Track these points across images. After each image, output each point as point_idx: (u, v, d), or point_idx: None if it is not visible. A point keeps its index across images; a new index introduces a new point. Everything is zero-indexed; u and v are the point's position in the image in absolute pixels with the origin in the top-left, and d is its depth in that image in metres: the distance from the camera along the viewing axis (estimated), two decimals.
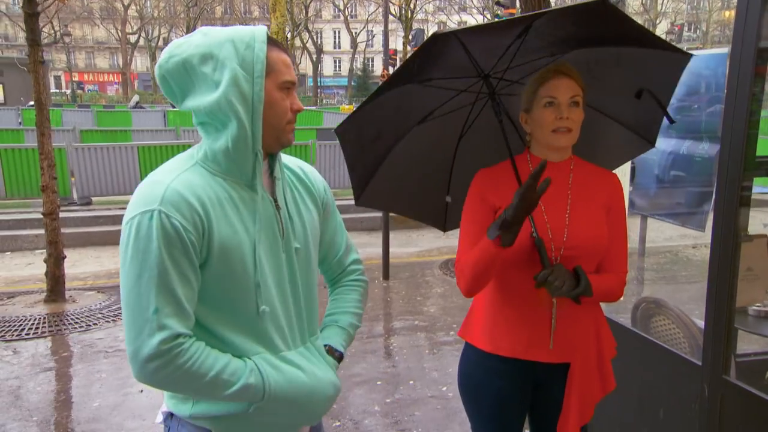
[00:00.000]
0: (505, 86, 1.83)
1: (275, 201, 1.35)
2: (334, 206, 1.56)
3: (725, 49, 2.07)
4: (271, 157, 1.37)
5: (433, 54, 1.59)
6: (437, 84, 1.78)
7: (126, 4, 41.65)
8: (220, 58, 1.22)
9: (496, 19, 1.69)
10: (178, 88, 1.28)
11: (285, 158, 1.48)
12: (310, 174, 1.51)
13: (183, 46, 1.25)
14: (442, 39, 1.48)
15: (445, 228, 2.14)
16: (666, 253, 6.70)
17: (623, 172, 2.49)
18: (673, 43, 1.66)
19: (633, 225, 4.36)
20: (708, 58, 1.76)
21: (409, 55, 1.80)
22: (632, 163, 2.63)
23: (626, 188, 2.56)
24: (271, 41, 1.28)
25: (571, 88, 1.66)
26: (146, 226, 1.17)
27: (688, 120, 1.89)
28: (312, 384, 1.36)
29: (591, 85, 1.82)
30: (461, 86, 1.82)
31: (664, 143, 2.11)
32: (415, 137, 1.90)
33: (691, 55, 1.74)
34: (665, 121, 1.89)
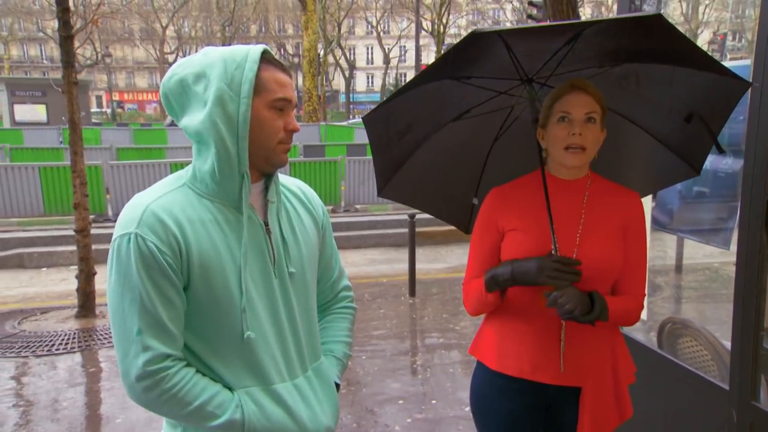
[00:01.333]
0: (548, 93, 1.77)
1: (266, 225, 1.34)
2: (330, 229, 1.56)
3: (748, 61, 2.01)
4: (267, 178, 1.36)
5: (474, 52, 1.55)
6: (476, 83, 1.74)
7: (164, 24, 43.05)
8: (210, 77, 1.23)
9: (546, 23, 1.62)
10: (177, 106, 1.29)
11: (284, 179, 1.47)
12: (310, 195, 1.50)
13: (184, 65, 1.27)
14: (482, 37, 1.42)
15: (468, 230, 2.10)
16: (705, 270, 6.49)
17: None
18: (716, 54, 1.57)
19: (670, 242, 4.25)
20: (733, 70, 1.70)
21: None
22: None
23: (649, 205, 2.49)
24: (267, 60, 1.27)
25: (588, 104, 1.62)
26: (125, 249, 1.20)
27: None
28: (296, 429, 1.33)
29: (639, 102, 1.76)
30: (501, 88, 1.78)
31: None
32: (448, 134, 1.88)
33: (750, 83, 1.66)
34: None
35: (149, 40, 46.65)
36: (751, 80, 1.86)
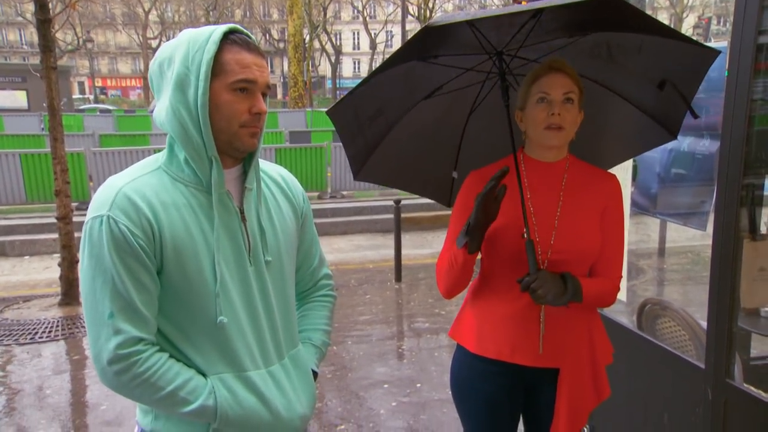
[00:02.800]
0: (520, 65, 1.78)
1: (242, 212, 1.32)
2: (311, 216, 1.54)
3: (725, 42, 2.02)
4: (246, 164, 1.34)
5: (439, 33, 1.54)
6: (444, 61, 1.74)
7: (147, 9, 42.39)
8: (174, 60, 1.22)
9: (495, 9, 1.62)
10: (156, 91, 1.28)
11: (265, 165, 1.44)
12: (290, 182, 1.48)
13: (163, 48, 1.26)
14: (436, 30, 1.41)
15: (449, 203, 2.12)
16: (687, 253, 6.59)
17: (625, 169, 2.45)
18: (701, 38, 1.60)
19: (653, 225, 4.29)
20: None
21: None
22: (634, 161, 2.58)
23: (628, 187, 2.52)
24: (233, 41, 1.23)
25: (565, 84, 1.62)
26: (97, 232, 1.18)
27: (688, 116, 1.86)
28: (269, 416, 1.32)
29: (612, 69, 1.77)
30: (471, 64, 1.77)
31: None
32: (421, 112, 1.87)
33: (719, 51, 1.68)
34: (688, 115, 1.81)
35: (132, 25, 45.94)
36: (727, 63, 1.89)
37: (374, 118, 1.82)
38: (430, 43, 1.61)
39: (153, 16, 44.75)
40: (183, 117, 1.21)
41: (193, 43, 1.21)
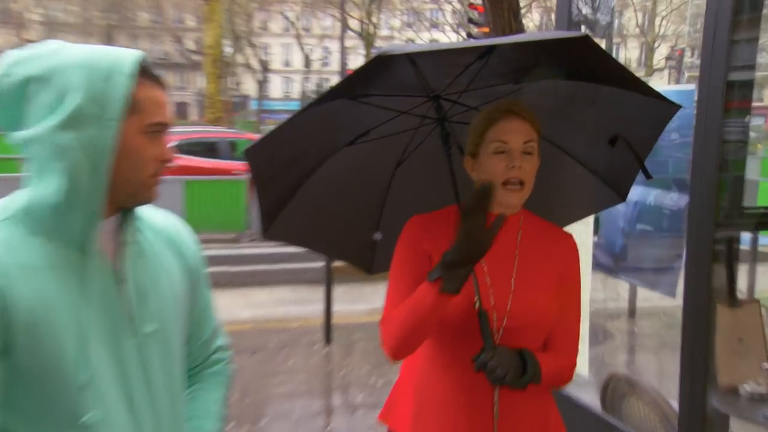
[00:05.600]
0: (460, 112, 1.81)
1: (117, 273, 1.24)
2: (205, 277, 1.49)
3: (692, 86, 2.14)
4: (124, 214, 1.27)
5: (377, 70, 1.57)
6: (376, 101, 1.75)
7: (27, 5, 41.44)
8: (64, 85, 1.13)
9: (461, 42, 1.67)
10: (12, 113, 1.17)
11: (149, 212, 1.39)
12: (181, 234, 1.43)
13: (26, 61, 1.17)
14: (389, 60, 1.45)
15: (371, 270, 2.11)
16: (660, 315, 6.81)
17: (586, 222, 2.52)
18: (674, 71, 1.68)
19: (622, 282, 4.42)
20: (675, 95, 1.80)
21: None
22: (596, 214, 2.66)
23: (590, 243, 2.58)
24: (145, 73, 1.19)
25: (525, 132, 1.64)
26: None
27: (655, 165, 1.93)
28: None
29: (559, 122, 1.82)
30: (405, 106, 1.79)
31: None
32: (342, 161, 1.88)
33: (680, 106, 1.76)
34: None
35: (9, 24, 44.76)
36: (695, 106, 1.99)
37: (290, 165, 1.81)
38: (365, 76, 1.62)
39: (36, 15, 43.75)
40: (76, 158, 1.13)
41: (95, 70, 1.14)
